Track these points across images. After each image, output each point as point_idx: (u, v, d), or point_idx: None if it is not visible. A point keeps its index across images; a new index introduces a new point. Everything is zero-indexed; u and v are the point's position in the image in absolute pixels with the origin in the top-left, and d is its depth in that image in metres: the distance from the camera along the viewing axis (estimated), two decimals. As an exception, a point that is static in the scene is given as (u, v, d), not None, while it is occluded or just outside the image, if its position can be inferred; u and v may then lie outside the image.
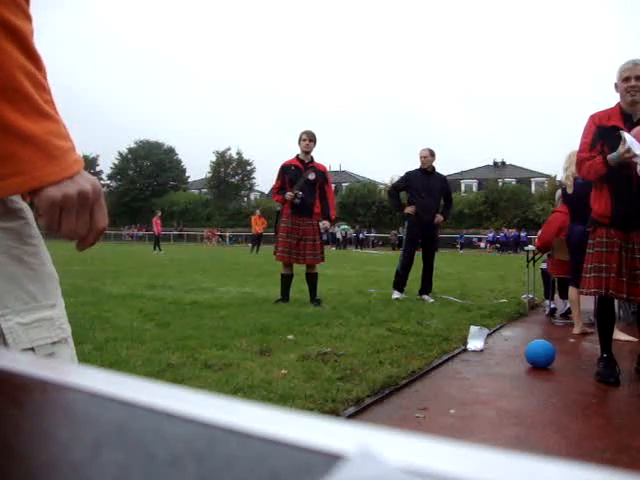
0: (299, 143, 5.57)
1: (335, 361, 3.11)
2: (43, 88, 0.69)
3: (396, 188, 6.49)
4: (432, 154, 6.24)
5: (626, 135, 2.78)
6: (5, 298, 0.73)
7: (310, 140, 5.52)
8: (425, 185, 6.16)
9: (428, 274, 6.24)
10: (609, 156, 2.89)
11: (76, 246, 0.76)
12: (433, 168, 6.27)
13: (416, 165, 6.34)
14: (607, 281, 3.01)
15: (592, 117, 3.13)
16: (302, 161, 5.56)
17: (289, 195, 5.38)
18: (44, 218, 0.69)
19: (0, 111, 0.64)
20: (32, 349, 0.75)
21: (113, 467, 0.22)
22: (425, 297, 6.12)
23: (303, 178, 5.45)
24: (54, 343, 0.78)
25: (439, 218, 6.21)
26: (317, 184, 5.52)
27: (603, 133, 3.02)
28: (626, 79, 2.99)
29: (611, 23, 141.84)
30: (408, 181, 6.29)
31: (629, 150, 2.74)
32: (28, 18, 0.69)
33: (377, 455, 0.20)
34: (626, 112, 3.03)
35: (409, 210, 6.18)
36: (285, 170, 5.55)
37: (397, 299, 5.96)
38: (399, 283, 6.19)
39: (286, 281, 5.61)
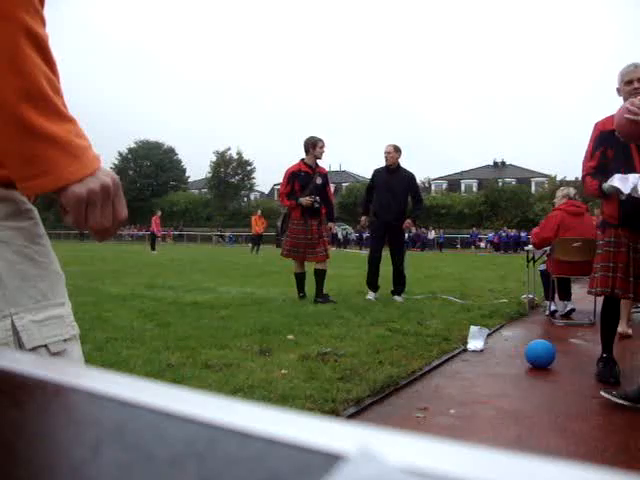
0: (313, 149, 5.71)
1: (335, 361, 3.11)
2: (58, 92, 0.72)
3: (367, 188, 6.34)
4: (397, 150, 6.03)
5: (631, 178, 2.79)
6: (18, 296, 0.74)
7: (325, 147, 5.78)
8: (387, 183, 5.98)
9: (396, 274, 6.04)
10: (604, 185, 2.90)
11: (96, 237, 0.78)
12: (398, 165, 6.07)
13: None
14: (614, 280, 3.01)
15: (597, 124, 3.14)
16: (309, 166, 5.76)
17: (307, 201, 5.58)
18: (71, 214, 0.72)
19: (26, 115, 0.67)
20: (45, 346, 0.76)
21: (113, 467, 0.22)
22: (395, 297, 6.01)
23: (312, 183, 5.68)
24: (66, 340, 0.80)
25: (408, 224, 6.03)
26: (322, 187, 5.79)
27: (605, 137, 3.03)
28: (629, 82, 2.96)
29: (611, 23, 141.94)
30: (374, 179, 6.18)
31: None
32: (44, 23, 0.72)
33: (377, 455, 0.20)
34: None
35: (362, 223, 6.23)
36: (295, 176, 5.70)
37: (370, 300, 5.85)
38: (370, 283, 6.08)
39: (300, 279, 5.93)
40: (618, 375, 3.03)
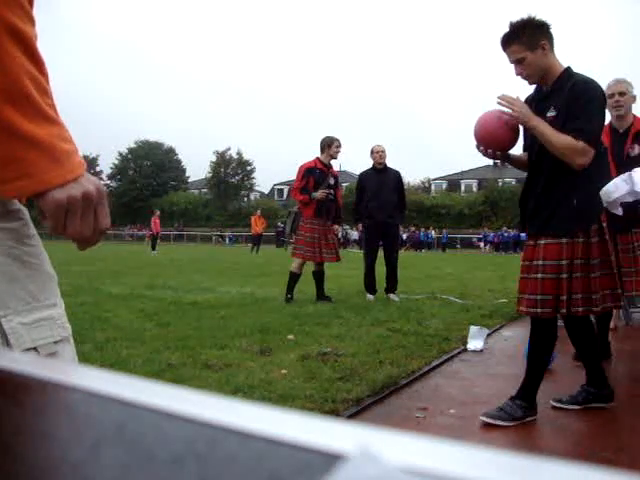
0: (328, 148, 5.78)
1: (335, 361, 3.11)
2: (46, 92, 0.70)
3: (359, 192, 6.34)
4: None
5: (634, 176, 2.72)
6: (6, 298, 0.73)
7: (341, 147, 5.88)
8: (379, 183, 6.05)
9: (391, 273, 6.11)
10: None
11: (77, 246, 0.76)
12: (385, 164, 6.17)
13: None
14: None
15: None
16: (325, 165, 5.84)
17: (322, 194, 5.64)
18: (50, 220, 0.70)
19: (7, 115, 0.65)
20: (35, 349, 0.75)
21: (113, 467, 0.22)
22: (391, 296, 6.07)
23: (326, 182, 5.76)
24: (56, 342, 0.78)
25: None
26: (333, 187, 5.87)
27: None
28: (610, 96, 3.26)
29: (610, 22, 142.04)
30: (362, 182, 6.23)
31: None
32: (32, 22, 0.70)
33: (377, 455, 0.20)
34: (613, 126, 3.40)
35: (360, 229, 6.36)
36: (311, 172, 5.73)
37: (370, 300, 5.93)
38: (368, 285, 6.12)
39: (295, 280, 5.76)
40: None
